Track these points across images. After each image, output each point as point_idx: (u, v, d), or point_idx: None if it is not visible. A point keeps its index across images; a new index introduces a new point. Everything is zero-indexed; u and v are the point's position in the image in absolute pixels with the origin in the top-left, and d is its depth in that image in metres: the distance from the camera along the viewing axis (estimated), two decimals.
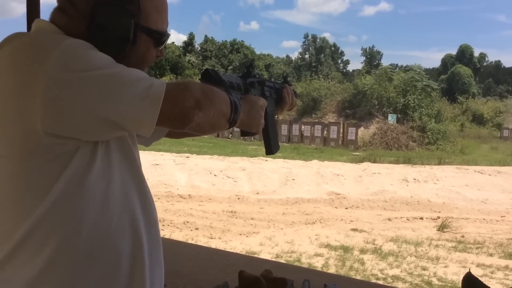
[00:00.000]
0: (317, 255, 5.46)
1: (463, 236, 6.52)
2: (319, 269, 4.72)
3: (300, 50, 59.17)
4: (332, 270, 4.92)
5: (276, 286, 1.58)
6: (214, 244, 5.63)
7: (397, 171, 11.75)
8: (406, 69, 26.11)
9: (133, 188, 0.90)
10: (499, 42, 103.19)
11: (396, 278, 4.81)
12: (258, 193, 8.86)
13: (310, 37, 57.28)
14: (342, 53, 60.57)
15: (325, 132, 20.62)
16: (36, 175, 0.79)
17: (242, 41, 45.32)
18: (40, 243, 0.79)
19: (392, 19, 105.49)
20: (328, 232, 6.46)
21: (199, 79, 1.01)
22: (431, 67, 52.95)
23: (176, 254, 2.04)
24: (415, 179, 10.63)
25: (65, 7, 0.88)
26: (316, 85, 25.81)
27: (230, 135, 21.78)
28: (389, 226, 6.99)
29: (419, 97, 21.84)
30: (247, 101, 1.03)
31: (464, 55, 47.31)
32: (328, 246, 5.81)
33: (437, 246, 6.00)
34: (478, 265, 5.24)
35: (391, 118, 21.11)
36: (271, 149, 1.33)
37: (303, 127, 21.39)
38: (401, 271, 5.03)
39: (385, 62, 58.00)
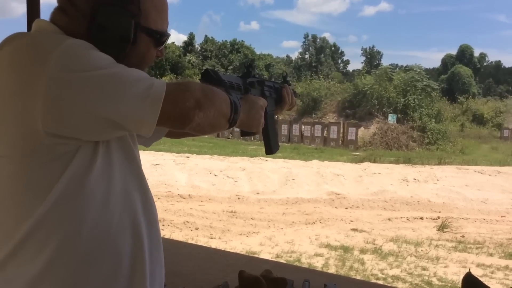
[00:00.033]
0: (317, 255, 5.46)
1: (463, 236, 6.53)
2: (319, 269, 4.72)
3: (300, 50, 59.24)
4: (332, 270, 4.92)
5: (276, 286, 1.58)
6: (214, 244, 5.64)
7: (397, 171, 11.75)
8: (406, 69, 26.10)
9: (134, 188, 0.90)
10: (499, 42, 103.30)
11: (396, 278, 4.81)
12: (258, 193, 8.86)
13: (310, 37, 57.31)
14: (342, 53, 60.61)
15: (325, 132, 20.61)
16: (37, 175, 0.79)
17: (242, 41, 45.39)
18: (41, 243, 0.80)
19: (392, 19, 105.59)
20: (328, 232, 6.46)
21: (199, 79, 1.01)
22: (431, 67, 53.02)
23: (176, 254, 2.04)
24: (415, 179, 10.63)
25: (66, 7, 0.88)
26: (316, 85, 25.81)
27: (230, 135, 21.78)
28: (389, 226, 6.99)
29: (419, 97, 21.84)
30: (247, 101, 1.03)
31: (464, 55, 47.31)
32: (328, 246, 5.81)
33: (437, 246, 6.00)
34: (478, 265, 5.24)
35: (391, 118, 21.11)
36: (271, 149, 1.33)
37: (303, 127, 21.39)
38: (401, 271, 5.03)
39: (385, 62, 58.11)
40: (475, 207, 8.35)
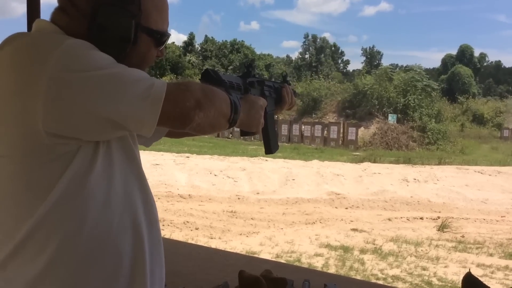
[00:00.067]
0: (317, 255, 5.46)
1: (463, 236, 6.53)
2: (319, 269, 4.72)
3: (300, 50, 59.22)
4: (332, 270, 4.92)
5: (276, 286, 1.58)
6: (214, 244, 5.64)
7: (397, 171, 11.75)
8: (406, 69, 26.10)
9: (134, 188, 0.90)
10: (499, 42, 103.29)
11: (396, 278, 4.81)
12: (258, 193, 8.86)
13: (310, 37, 57.30)
14: (342, 53, 60.58)
15: (325, 132, 20.61)
16: (38, 175, 0.79)
17: (242, 41, 45.38)
18: (42, 243, 0.80)
19: (392, 19, 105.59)
20: (328, 232, 6.46)
21: (199, 79, 1.01)
22: (431, 67, 53.01)
23: (176, 254, 2.04)
24: (415, 179, 10.63)
25: (66, 7, 0.88)
26: (316, 85, 25.80)
27: (230, 135, 21.78)
28: (389, 226, 6.99)
29: (419, 97, 21.84)
30: (247, 101, 1.03)
31: (464, 55, 47.31)
32: (328, 246, 5.81)
33: (437, 246, 6.00)
34: (478, 265, 5.24)
35: (391, 118, 21.11)
36: (270, 149, 1.33)
37: (303, 127, 21.39)
38: (401, 271, 5.03)
39: (385, 62, 58.13)
40: (475, 207, 8.35)
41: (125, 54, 0.87)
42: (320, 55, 54.83)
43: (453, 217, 7.41)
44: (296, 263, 4.97)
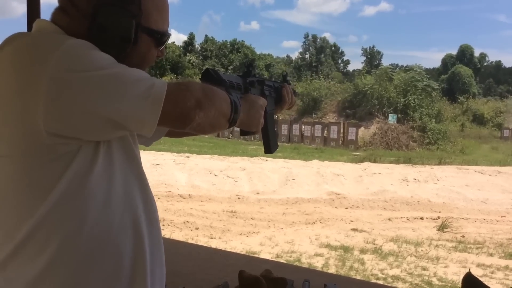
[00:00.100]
0: (317, 255, 5.46)
1: (463, 236, 6.53)
2: (319, 269, 4.72)
3: (301, 50, 59.15)
4: (332, 270, 4.92)
5: (276, 286, 1.58)
6: (214, 244, 5.64)
7: (397, 171, 11.75)
8: (407, 69, 26.09)
9: (134, 188, 0.90)
10: (499, 42, 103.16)
11: (396, 278, 4.81)
12: (258, 193, 8.87)
13: (310, 37, 57.26)
14: (342, 53, 60.55)
15: (326, 132, 20.61)
16: (38, 175, 0.79)
17: (242, 41, 45.37)
18: (42, 243, 0.80)
19: (393, 19, 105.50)
20: (328, 232, 6.46)
21: (199, 78, 1.01)
22: (431, 67, 52.97)
23: (176, 254, 2.04)
24: (415, 179, 10.63)
25: (66, 7, 0.88)
26: (316, 85, 25.81)
27: (230, 135, 21.79)
28: (389, 226, 6.99)
29: (420, 97, 21.84)
30: (247, 101, 1.03)
31: (464, 55, 47.30)
32: (328, 246, 5.82)
33: (437, 246, 6.00)
34: (478, 265, 5.24)
35: (392, 118, 21.11)
36: (270, 148, 1.33)
37: (303, 127, 21.39)
38: (401, 271, 5.03)
39: (385, 62, 58.07)
40: (475, 207, 8.35)
41: (125, 54, 0.87)
42: (320, 55, 54.81)
43: (453, 217, 7.41)
44: (296, 263, 4.97)
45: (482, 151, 19.96)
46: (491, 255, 5.71)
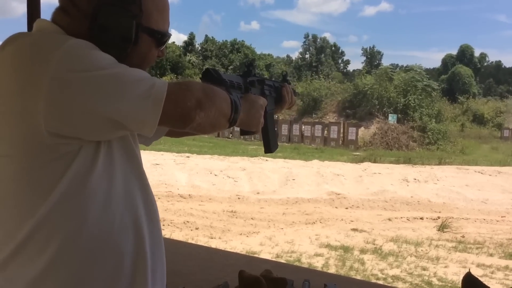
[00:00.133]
0: (317, 255, 5.46)
1: (463, 236, 6.52)
2: (319, 269, 4.72)
3: (301, 50, 59.12)
4: (332, 270, 4.92)
5: (276, 286, 1.58)
6: (214, 244, 5.64)
7: (397, 171, 11.75)
8: (407, 69, 26.08)
9: (135, 187, 0.90)
10: (499, 42, 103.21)
11: (396, 278, 4.81)
12: (258, 193, 8.87)
13: (310, 37, 57.25)
14: (342, 53, 60.56)
15: (326, 132, 20.61)
16: (39, 175, 0.79)
17: (242, 41, 45.38)
18: (43, 243, 0.80)
19: (393, 19, 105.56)
20: (328, 232, 6.46)
21: (199, 78, 1.01)
22: (431, 67, 52.99)
23: (176, 253, 2.04)
24: (415, 179, 10.63)
25: (67, 7, 0.88)
26: (316, 85, 25.81)
27: (231, 135, 21.79)
28: (389, 226, 6.99)
29: (420, 97, 21.84)
30: (247, 100, 1.03)
31: (464, 55, 47.29)
32: (328, 246, 5.82)
33: (437, 246, 6.00)
34: (478, 265, 5.24)
35: (392, 118, 21.11)
36: (270, 148, 1.33)
37: (303, 127, 21.39)
38: (401, 271, 5.03)
39: (385, 62, 58.10)
40: (475, 207, 8.35)
41: (126, 54, 0.87)
42: (321, 55, 54.80)
43: (453, 217, 7.41)
44: (296, 263, 4.97)
45: (482, 151, 19.95)
46: (491, 255, 5.71)
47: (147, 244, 0.90)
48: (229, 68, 40.04)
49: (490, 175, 11.75)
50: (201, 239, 5.82)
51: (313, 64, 53.06)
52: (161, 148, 14.35)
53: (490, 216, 7.81)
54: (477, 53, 48.96)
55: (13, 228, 0.80)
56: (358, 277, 4.62)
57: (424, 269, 5.13)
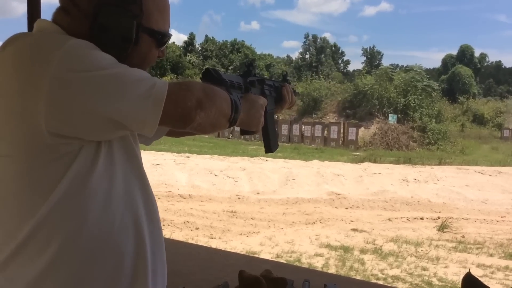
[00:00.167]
0: (317, 255, 5.46)
1: (463, 237, 6.53)
2: (319, 269, 4.72)
3: (301, 50, 59.12)
4: (332, 270, 4.93)
5: (276, 286, 1.58)
6: (214, 244, 5.64)
7: (397, 171, 11.75)
8: (407, 69, 26.09)
9: (135, 187, 0.90)
10: (499, 42, 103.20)
11: (396, 278, 4.81)
12: (258, 193, 8.87)
13: (310, 37, 57.25)
14: (342, 53, 60.56)
15: (326, 132, 20.61)
16: (40, 175, 0.79)
17: (242, 41, 45.40)
18: (43, 243, 0.80)
19: (393, 19, 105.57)
20: (328, 232, 6.46)
21: (200, 78, 1.01)
22: (431, 67, 53.00)
23: (176, 253, 2.04)
24: (415, 179, 10.63)
25: (68, 7, 0.88)
26: (316, 85, 25.82)
27: (231, 135, 21.79)
28: (389, 226, 6.99)
29: (420, 97, 21.84)
30: (247, 100, 1.03)
31: (464, 55, 47.30)
32: (328, 246, 5.82)
33: (437, 246, 6.00)
34: (478, 266, 5.24)
35: (392, 118, 21.11)
36: (270, 148, 1.33)
37: (303, 127, 21.39)
38: (401, 271, 5.03)
39: (385, 62, 58.12)
40: (475, 208, 8.35)
41: (126, 54, 0.87)
42: (321, 55, 54.80)
43: (453, 217, 7.41)
44: (296, 263, 4.97)
45: (482, 151, 19.95)
46: (491, 255, 5.71)
47: (147, 244, 0.90)
48: (229, 68, 40.05)
49: (490, 175, 11.75)
50: (201, 239, 5.82)
51: (313, 64, 53.05)
52: (161, 148, 14.35)
53: (490, 216, 7.81)
54: (477, 53, 49.03)
55: (14, 228, 0.80)
56: (358, 277, 4.62)
57: (424, 269, 5.13)
